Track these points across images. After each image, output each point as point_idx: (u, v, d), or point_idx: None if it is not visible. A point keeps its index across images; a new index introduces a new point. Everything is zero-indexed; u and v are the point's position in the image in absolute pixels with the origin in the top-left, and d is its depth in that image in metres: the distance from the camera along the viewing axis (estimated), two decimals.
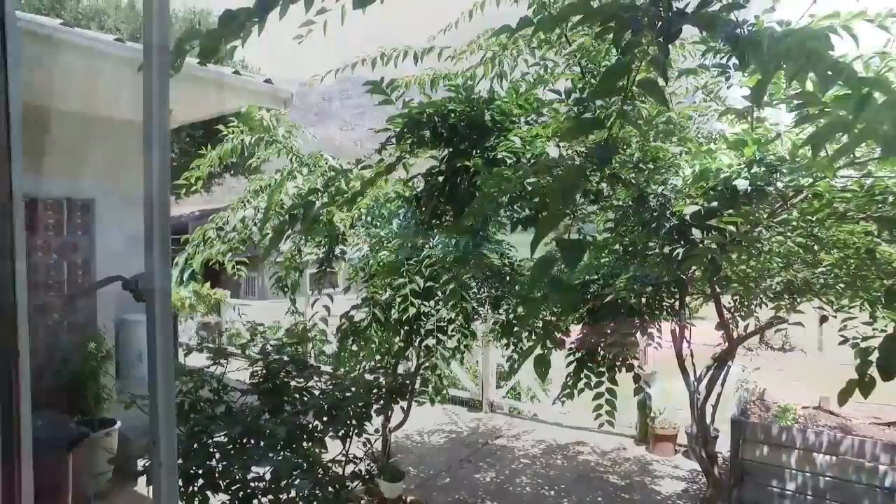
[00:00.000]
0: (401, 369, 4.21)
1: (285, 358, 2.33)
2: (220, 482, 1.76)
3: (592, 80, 2.59)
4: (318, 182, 2.88)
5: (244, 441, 1.90)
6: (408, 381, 3.47)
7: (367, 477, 2.37)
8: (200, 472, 1.80)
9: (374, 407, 2.55)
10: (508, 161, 2.18)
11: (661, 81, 1.43)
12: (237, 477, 1.75)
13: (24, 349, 0.92)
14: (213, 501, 1.98)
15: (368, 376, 2.84)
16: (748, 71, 2.10)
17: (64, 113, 4.75)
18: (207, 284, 9.16)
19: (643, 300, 3.04)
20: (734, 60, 2.36)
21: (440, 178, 2.47)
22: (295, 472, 1.78)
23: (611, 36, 1.44)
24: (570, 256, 1.04)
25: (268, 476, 1.83)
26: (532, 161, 2.11)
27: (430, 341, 3.56)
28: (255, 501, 1.79)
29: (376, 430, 3.71)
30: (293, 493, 1.77)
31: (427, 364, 3.49)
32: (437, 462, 5.64)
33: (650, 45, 1.46)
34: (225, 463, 1.80)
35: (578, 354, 3.58)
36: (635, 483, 5.20)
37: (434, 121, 2.34)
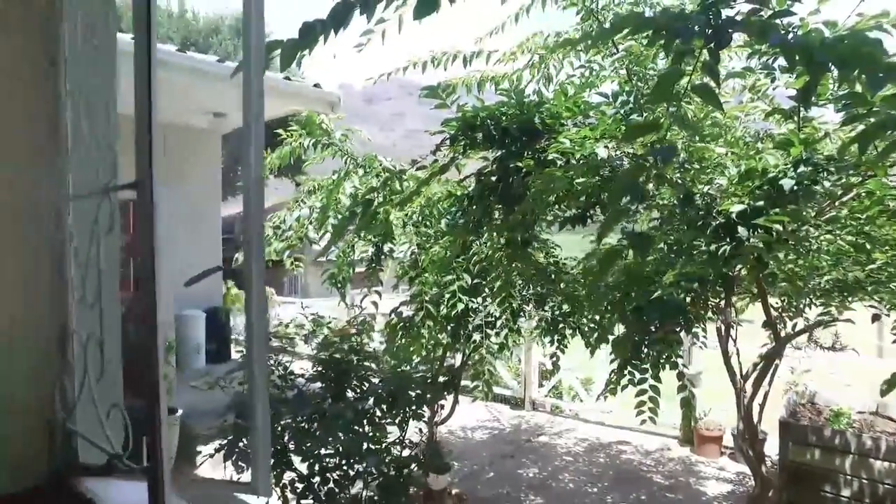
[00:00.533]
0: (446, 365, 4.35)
1: (346, 347, 2.51)
2: (293, 459, 1.93)
3: (639, 83, 2.66)
4: (373, 182, 3.05)
5: (312, 423, 2.07)
6: (454, 376, 3.60)
7: (421, 461, 2.51)
8: (273, 449, 1.98)
9: (428, 396, 2.69)
10: (559, 162, 2.28)
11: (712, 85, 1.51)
12: (311, 453, 1.92)
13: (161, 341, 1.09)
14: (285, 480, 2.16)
15: (422, 366, 2.99)
16: (796, 72, 2.13)
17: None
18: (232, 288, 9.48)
19: (689, 298, 3.08)
20: (781, 61, 2.40)
21: (493, 179, 2.60)
22: (362, 451, 1.94)
23: (661, 42, 1.54)
24: (640, 247, 1.15)
25: (335, 459, 2.00)
26: (581, 161, 2.21)
27: (477, 336, 3.68)
28: (327, 475, 1.95)
29: (425, 422, 3.86)
30: (360, 469, 1.93)
31: (476, 359, 3.62)
32: (481, 457, 5.77)
33: (701, 51, 1.55)
34: (296, 441, 1.97)
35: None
36: (679, 483, 5.20)
37: (487, 124, 2.47)
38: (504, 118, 2.47)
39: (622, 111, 2.64)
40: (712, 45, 1.51)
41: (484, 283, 3.58)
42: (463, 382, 4.48)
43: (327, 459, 1.98)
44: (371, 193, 2.66)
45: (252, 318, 1.28)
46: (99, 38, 1.40)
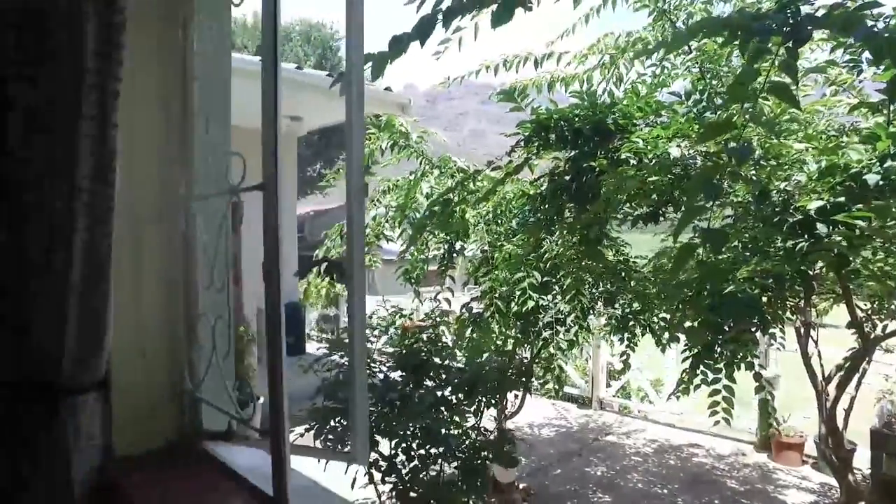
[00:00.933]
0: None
1: (425, 338, 2.67)
2: (378, 440, 2.11)
3: (713, 81, 2.66)
4: (448, 182, 3.20)
5: (394, 408, 2.24)
6: (524, 370, 3.69)
7: (492, 451, 2.62)
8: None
9: (502, 386, 2.81)
10: (631, 161, 2.34)
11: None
12: (395, 434, 2.09)
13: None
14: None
15: (493, 360, 3.11)
16: (884, 65, 2.08)
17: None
18: (327, 280, 9.93)
19: (765, 297, 3.02)
20: (867, 54, 2.33)
21: (565, 178, 2.68)
22: (442, 434, 2.09)
23: (737, 42, 1.57)
24: (714, 243, 1.21)
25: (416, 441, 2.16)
26: (653, 161, 2.25)
27: (547, 333, 3.75)
28: (411, 454, 2.11)
29: (493, 417, 3.98)
30: (440, 451, 2.08)
31: (545, 356, 3.70)
32: (548, 454, 5.82)
33: (779, 49, 1.56)
34: (380, 424, 2.14)
35: (695, 350, 3.60)
36: (756, 490, 5.03)
37: (560, 125, 2.55)
38: (577, 120, 2.55)
39: (695, 109, 2.65)
40: (790, 42, 1.52)
41: (554, 280, 3.65)
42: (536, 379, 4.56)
43: (410, 441, 2.14)
44: (449, 193, 2.81)
45: (353, 304, 1.45)
46: (218, 63, 1.62)
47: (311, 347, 8.05)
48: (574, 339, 3.79)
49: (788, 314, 3.35)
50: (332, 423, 2.25)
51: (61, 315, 1.24)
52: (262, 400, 5.32)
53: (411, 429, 2.10)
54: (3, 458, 1.49)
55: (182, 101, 1.61)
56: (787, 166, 2.46)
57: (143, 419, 1.58)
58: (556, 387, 3.63)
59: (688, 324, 2.68)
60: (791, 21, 1.58)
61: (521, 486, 4.96)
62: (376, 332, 3.11)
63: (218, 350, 1.52)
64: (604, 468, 5.50)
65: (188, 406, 1.64)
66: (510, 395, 4.24)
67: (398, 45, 1.70)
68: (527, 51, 3.47)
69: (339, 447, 2.17)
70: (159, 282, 1.58)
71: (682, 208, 2.63)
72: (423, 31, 1.75)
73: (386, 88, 6.83)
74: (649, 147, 2.28)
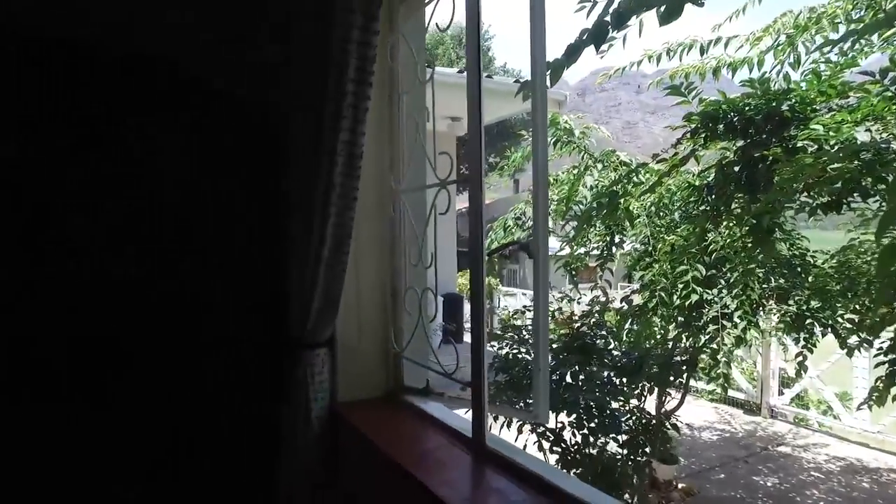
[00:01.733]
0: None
1: (591, 322, 2.83)
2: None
3: None
4: (610, 176, 3.28)
5: (560, 385, 2.43)
6: (686, 363, 3.62)
7: (653, 439, 2.68)
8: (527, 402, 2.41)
9: (663, 375, 2.84)
10: (809, 149, 2.24)
11: None
12: (562, 409, 2.28)
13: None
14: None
15: (655, 349, 3.14)
16: None
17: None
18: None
19: None
20: None
21: (735, 168, 2.64)
22: (606, 410, 2.24)
23: None
24: None
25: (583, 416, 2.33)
26: (837, 147, 2.15)
27: (712, 328, 3.64)
28: (584, 424, 2.29)
29: (650, 414, 3.95)
30: (606, 424, 2.23)
31: (710, 352, 3.60)
32: (709, 457, 5.56)
33: None
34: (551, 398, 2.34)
35: (893, 355, 3.25)
36: None
37: (729, 116, 2.52)
38: (748, 109, 2.49)
39: (893, 88, 2.43)
40: None
41: (720, 274, 3.54)
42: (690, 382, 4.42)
43: (581, 414, 2.32)
44: (615, 185, 2.90)
45: (539, 279, 1.65)
46: (417, 76, 1.92)
47: (467, 338, 8.50)
48: (742, 335, 3.62)
49: None
50: (502, 399, 2.50)
51: (312, 283, 1.64)
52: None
53: (582, 403, 2.27)
54: (269, 391, 1.98)
55: (389, 110, 1.95)
56: None
57: (358, 374, 1.96)
58: (723, 383, 3.51)
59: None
60: None
61: (680, 485, 4.83)
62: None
63: (423, 318, 1.84)
64: (775, 480, 5.12)
65: (393, 365, 2.00)
66: (670, 393, 4.17)
67: (574, 52, 1.86)
68: (691, 37, 3.39)
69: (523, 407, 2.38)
70: (373, 260, 1.94)
71: (874, 197, 2.43)
72: (597, 36, 1.89)
73: None
74: (831, 133, 2.17)
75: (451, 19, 1.51)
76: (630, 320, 3.79)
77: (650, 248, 3.72)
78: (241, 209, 2.06)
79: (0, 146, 1.74)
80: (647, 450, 2.51)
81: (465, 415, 1.69)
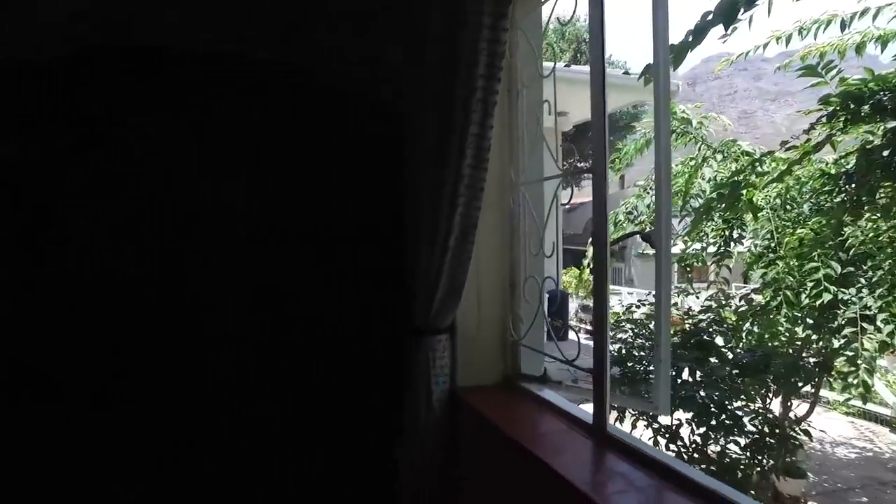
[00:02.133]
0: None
1: (710, 318, 2.71)
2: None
3: None
4: (731, 167, 3.10)
5: (676, 381, 2.36)
6: (817, 368, 3.33)
7: (776, 449, 2.51)
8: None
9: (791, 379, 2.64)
10: None
11: None
12: (680, 406, 2.21)
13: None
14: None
15: (781, 350, 2.93)
16: None
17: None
18: (588, 270, 10.05)
19: None
20: None
21: (883, 153, 2.39)
22: (727, 409, 2.14)
23: None
24: None
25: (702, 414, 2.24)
26: None
27: (849, 332, 3.32)
28: (703, 419, 2.21)
29: (776, 417, 3.68)
30: (727, 424, 2.13)
31: (847, 358, 3.28)
32: (846, 477, 5.04)
33: None
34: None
35: None
36: None
37: (877, 95, 2.29)
38: None
39: None
40: None
41: (859, 271, 3.22)
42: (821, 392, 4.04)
43: (700, 411, 2.23)
44: (738, 175, 2.74)
45: (661, 270, 1.63)
46: (538, 70, 1.94)
47: (571, 335, 8.32)
48: (888, 340, 3.26)
49: None
50: (622, 388, 2.47)
51: (438, 271, 1.73)
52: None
53: (701, 400, 2.19)
54: (393, 374, 2.10)
55: (509, 104, 1.99)
56: None
57: (476, 361, 2.02)
58: (863, 393, 3.19)
59: None
60: None
61: (808, 503, 4.45)
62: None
63: (543, 305, 1.88)
64: None
65: (511, 353, 2.04)
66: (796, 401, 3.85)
67: (700, 33, 1.80)
68: (829, 12, 3.07)
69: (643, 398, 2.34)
70: (493, 251, 2.00)
71: None
72: (727, 15, 1.80)
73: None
74: None
75: (574, 11, 1.53)
76: (750, 320, 3.55)
77: (773, 244, 3.46)
78: (362, 203, 2.20)
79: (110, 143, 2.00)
80: (772, 456, 2.35)
81: (580, 406, 1.70)
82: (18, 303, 1.88)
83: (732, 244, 3.93)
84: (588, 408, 1.66)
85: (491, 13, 1.33)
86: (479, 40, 1.35)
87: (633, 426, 2.52)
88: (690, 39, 1.85)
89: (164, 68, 2.00)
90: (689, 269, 3.91)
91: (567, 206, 1.85)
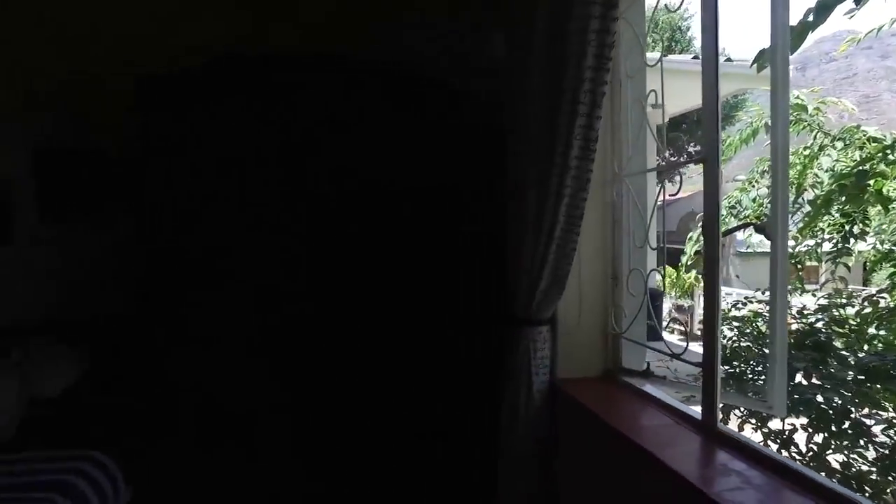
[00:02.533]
0: None
1: (827, 318, 2.52)
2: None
3: None
4: (854, 156, 2.85)
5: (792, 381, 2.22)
6: None
7: None
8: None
9: None
10: None
11: None
12: (804, 403, 2.07)
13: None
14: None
15: None
16: None
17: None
18: (683, 270, 9.55)
19: None
20: None
21: None
22: (853, 416, 1.98)
23: None
24: None
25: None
26: None
27: None
28: (822, 425, 2.07)
29: None
30: (851, 431, 1.98)
31: None
32: None
33: None
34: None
35: None
36: None
37: None
38: None
39: None
40: None
41: None
42: None
43: (809, 419, 2.09)
44: (865, 164, 2.51)
45: (777, 264, 1.56)
46: (644, 60, 1.90)
47: (665, 335, 7.97)
48: None
49: None
50: (727, 387, 2.37)
51: (542, 262, 1.75)
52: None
53: (818, 404, 2.05)
54: (493, 363, 2.14)
55: (611, 95, 1.97)
56: None
57: (577, 353, 2.02)
58: None
59: None
60: None
61: None
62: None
63: (647, 298, 1.85)
64: None
65: (612, 346, 2.02)
66: None
67: (824, 10, 1.67)
68: None
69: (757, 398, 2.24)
70: (595, 242, 1.99)
71: None
72: (826, 7, 1.68)
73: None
74: None
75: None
76: (875, 323, 3.23)
77: None
78: (468, 196, 2.26)
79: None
80: None
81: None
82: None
83: (852, 240, 3.60)
84: (694, 407, 1.61)
85: (601, 3, 1.33)
86: (588, 31, 1.36)
87: (740, 428, 2.40)
88: (811, 19, 1.74)
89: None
90: (799, 266, 3.63)
91: (663, 202, 1.80)
